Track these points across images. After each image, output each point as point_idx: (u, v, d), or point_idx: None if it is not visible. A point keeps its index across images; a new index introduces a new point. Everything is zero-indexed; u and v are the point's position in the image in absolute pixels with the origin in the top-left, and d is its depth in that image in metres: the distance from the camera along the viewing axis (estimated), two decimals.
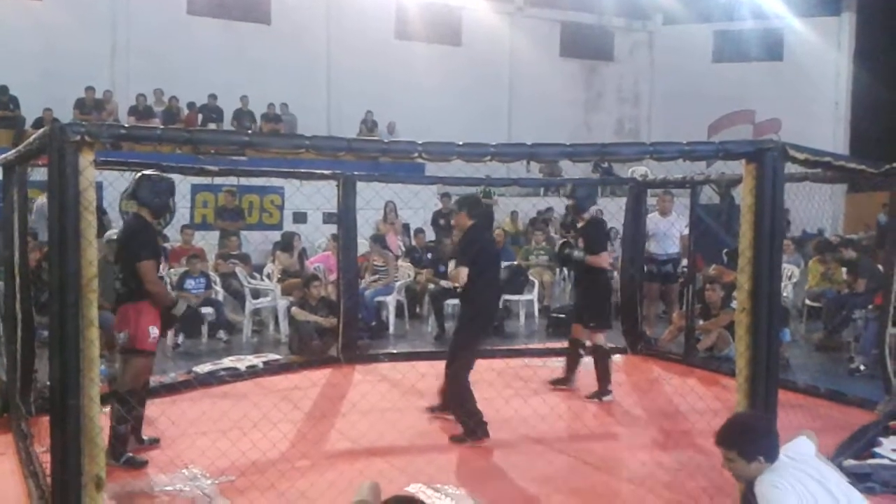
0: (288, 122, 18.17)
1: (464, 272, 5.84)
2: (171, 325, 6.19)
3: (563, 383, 7.32)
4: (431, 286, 10.83)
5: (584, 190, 7.30)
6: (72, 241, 3.59)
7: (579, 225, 7.25)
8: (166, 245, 12.00)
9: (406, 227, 14.80)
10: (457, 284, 5.91)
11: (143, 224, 5.35)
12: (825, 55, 22.17)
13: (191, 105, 17.28)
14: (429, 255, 12.53)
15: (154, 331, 5.29)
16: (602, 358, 7.01)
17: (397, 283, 10.88)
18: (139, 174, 5.55)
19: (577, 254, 6.99)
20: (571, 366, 7.37)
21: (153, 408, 6.43)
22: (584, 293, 7.21)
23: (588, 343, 7.20)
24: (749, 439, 3.39)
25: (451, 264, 6.40)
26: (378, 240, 11.44)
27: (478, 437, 5.74)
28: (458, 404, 5.90)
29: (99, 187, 4.17)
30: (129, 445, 5.27)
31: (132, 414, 5.25)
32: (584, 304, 7.23)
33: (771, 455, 3.33)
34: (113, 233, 8.71)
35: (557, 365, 8.11)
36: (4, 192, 6.05)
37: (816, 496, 3.18)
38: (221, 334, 9.65)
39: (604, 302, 7.17)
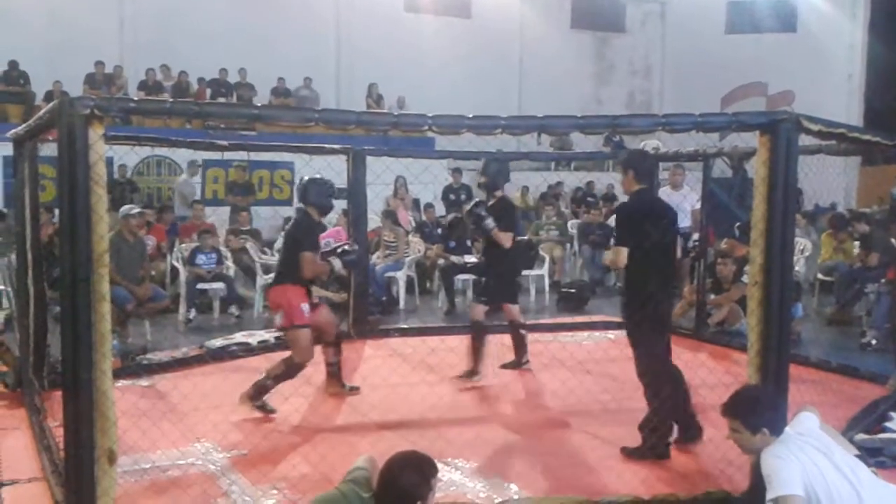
0: (310, 97, 17.91)
1: (622, 254, 4.81)
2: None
3: (470, 375, 6.78)
4: (441, 261, 10.83)
5: (496, 166, 6.93)
6: (82, 215, 3.59)
7: (490, 202, 6.85)
8: (176, 221, 12.05)
9: (416, 201, 14.77)
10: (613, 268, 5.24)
11: (308, 221, 6.08)
12: (839, 27, 21.89)
13: (200, 80, 17.21)
14: (439, 230, 12.53)
15: (306, 307, 5.91)
16: (516, 331, 7.01)
17: (407, 259, 10.88)
18: (307, 179, 6.18)
19: (488, 221, 6.60)
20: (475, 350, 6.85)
21: (166, 382, 6.49)
22: (490, 271, 6.89)
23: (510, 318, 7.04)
24: (753, 410, 3.42)
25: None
26: (390, 215, 11.44)
27: (650, 456, 4.88)
28: (649, 417, 4.93)
29: (109, 162, 4.17)
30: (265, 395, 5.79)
31: (290, 376, 5.84)
32: (489, 281, 6.93)
33: (775, 428, 3.36)
34: (129, 208, 8.71)
35: (568, 340, 8.13)
36: (15, 167, 6.06)
37: (821, 467, 3.20)
38: (233, 309, 9.68)
39: (510, 279, 6.95)
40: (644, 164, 5.12)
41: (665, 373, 4.90)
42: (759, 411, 3.42)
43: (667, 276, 5.03)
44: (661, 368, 4.89)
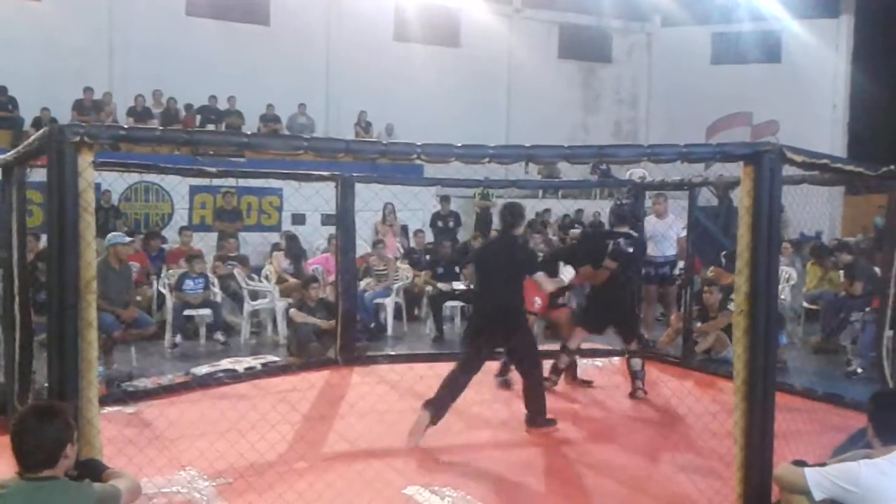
0: (307, 125, 17.90)
1: (469, 269, 6.21)
2: None
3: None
4: (429, 288, 10.83)
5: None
6: (71, 242, 3.59)
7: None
8: (164, 246, 12.02)
9: (405, 228, 14.81)
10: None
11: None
12: (823, 57, 22.14)
13: (188, 107, 17.23)
14: (427, 257, 12.55)
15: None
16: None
17: (395, 285, 10.88)
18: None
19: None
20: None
21: (151, 409, 6.44)
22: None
23: None
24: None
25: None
26: (378, 243, 11.48)
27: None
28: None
29: (96, 188, 4.17)
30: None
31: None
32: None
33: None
34: (114, 235, 8.65)
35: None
36: (3, 192, 6.04)
37: None
38: (219, 336, 9.65)
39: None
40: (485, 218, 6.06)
41: (461, 372, 6.05)
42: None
43: (487, 306, 6.13)
44: (462, 366, 6.07)
